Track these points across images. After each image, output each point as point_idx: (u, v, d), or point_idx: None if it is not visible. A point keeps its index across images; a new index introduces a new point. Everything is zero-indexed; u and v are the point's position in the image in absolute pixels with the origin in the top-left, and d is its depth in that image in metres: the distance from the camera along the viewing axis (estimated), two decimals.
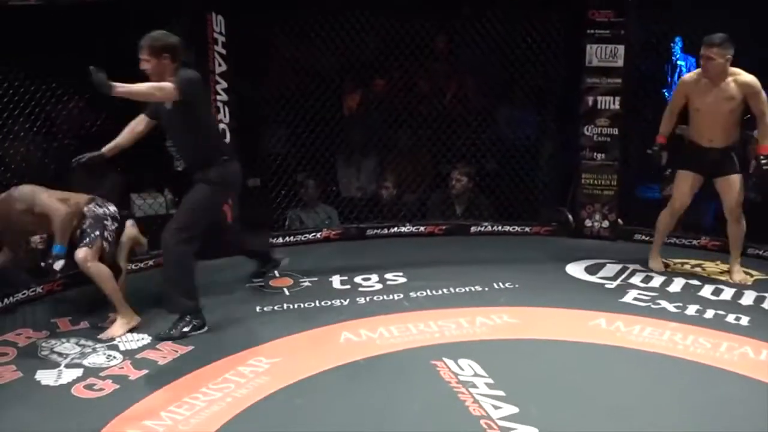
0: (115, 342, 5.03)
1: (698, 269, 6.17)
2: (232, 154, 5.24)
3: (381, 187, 6.92)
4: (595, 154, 6.65)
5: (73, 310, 5.36)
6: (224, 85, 6.10)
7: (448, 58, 6.97)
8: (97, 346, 5.00)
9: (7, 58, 5.39)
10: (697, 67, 5.68)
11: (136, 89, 4.77)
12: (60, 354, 4.89)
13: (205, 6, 5.96)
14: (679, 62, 6.91)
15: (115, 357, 4.87)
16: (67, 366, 4.76)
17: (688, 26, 6.45)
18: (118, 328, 5.14)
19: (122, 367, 4.76)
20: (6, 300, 5.41)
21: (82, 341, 5.04)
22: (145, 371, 4.72)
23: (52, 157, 5.92)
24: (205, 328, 5.08)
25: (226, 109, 6.14)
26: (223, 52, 6.04)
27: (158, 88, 4.82)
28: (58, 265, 4.98)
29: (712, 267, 6.21)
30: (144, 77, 4.89)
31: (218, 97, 6.10)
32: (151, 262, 6.09)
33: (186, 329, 5.03)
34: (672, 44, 6.85)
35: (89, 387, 4.56)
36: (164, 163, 6.27)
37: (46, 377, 4.65)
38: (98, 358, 4.86)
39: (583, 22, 6.48)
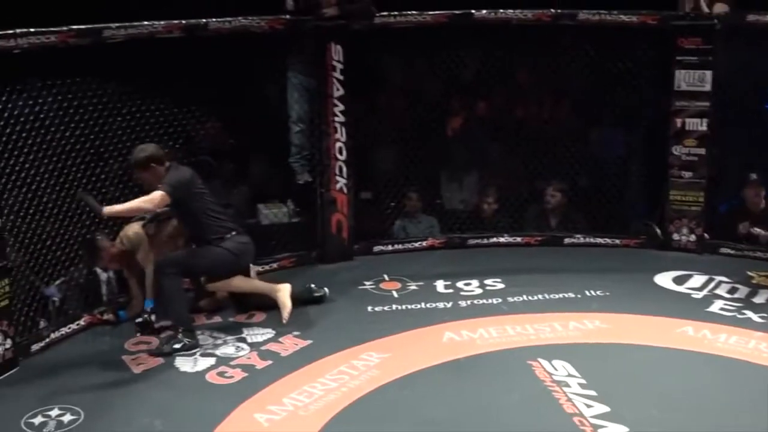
0: (243, 335, 5.17)
1: None
2: (239, 229, 5.23)
3: (483, 201, 6.90)
4: (683, 172, 6.50)
5: (206, 304, 5.50)
6: (341, 107, 6.18)
7: (543, 83, 6.91)
8: (227, 337, 5.14)
9: (156, 85, 5.58)
10: None
11: (125, 207, 4.87)
12: None
13: (326, 36, 6.06)
14: None
15: (243, 348, 5.01)
16: (202, 355, 4.92)
17: None
18: (285, 309, 5.27)
19: (249, 358, 4.89)
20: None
21: (215, 333, 5.20)
22: (269, 362, 4.84)
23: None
24: (197, 349, 4.96)
25: (343, 129, 6.23)
26: (341, 77, 6.14)
27: (148, 200, 4.85)
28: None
29: None
30: None
31: (336, 119, 6.19)
32: (275, 265, 6.22)
33: (177, 346, 4.92)
34: None
35: (221, 374, 4.71)
36: (287, 176, 6.39)
37: (183, 364, 4.82)
38: (229, 349, 5.00)
39: (672, 49, 6.35)
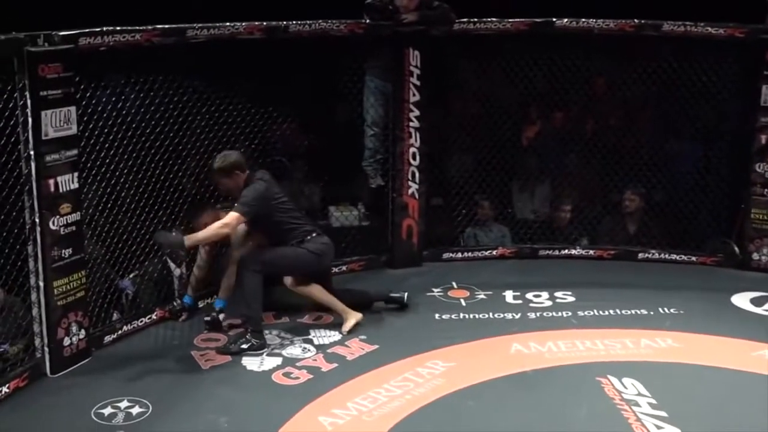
0: (310, 336, 5.17)
1: None
2: (316, 229, 5.26)
3: (559, 210, 6.77)
4: (765, 190, 6.27)
5: (277, 306, 5.50)
6: (417, 113, 6.15)
7: (619, 93, 6.76)
8: (294, 338, 5.15)
9: (234, 85, 5.64)
10: None
11: (204, 235, 4.90)
12: None
13: (404, 42, 6.03)
14: None
15: (309, 350, 5.01)
16: (269, 355, 4.94)
17: None
18: (347, 324, 5.26)
19: (315, 360, 4.89)
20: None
21: (282, 334, 5.21)
22: (335, 365, 4.83)
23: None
24: (264, 350, 4.96)
25: (417, 135, 6.19)
26: (418, 83, 6.10)
27: (225, 225, 4.86)
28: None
29: None
30: None
31: (411, 124, 6.16)
32: (344, 268, 6.21)
33: (245, 346, 4.94)
34: None
35: (287, 375, 4.72)
36: (360, 179, 6.38)
37: (250, 363, 4.85)
38: (295, 350, 5.01)
39: (759, 63, 6.14)
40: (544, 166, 6.88)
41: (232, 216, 4.87)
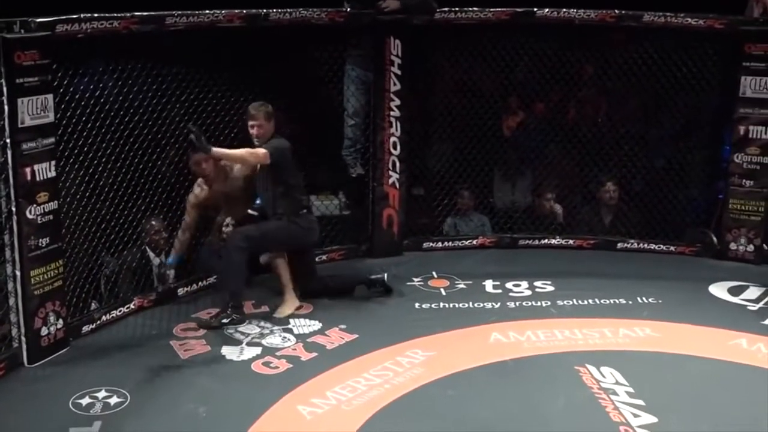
0: (289, 326, 5.16)
1: None
2: (309, 207, 5.44)
3: (542, 198, 6.78)
4: (744, 180, 6.31)
5: (256, 294, 5.50)
6: (397, 102, 6.13)
7: (599, 83, 6.77)
8: (274, 328, 5.14)
9: (215, 73, 5.60)
10: None
11: (232, 153, 5.11)
12: (243, 333, 5.06)
13: (385, 31, 6.01)
14: None
15: (289, 339, 5.00)
16: (248, 344, 4.92)
17: None
18: (285, 308, 5.33)
19: (295, 349, 4.88)
20: (201, 283, 5.63)
21: (262, 323, 5.20)
22: (314, 354, 4.83)
23: None
24: (244, 323, 5.09)
25: (398, 124, 6.18)
26: (399, 72, 6.09)
27: (253, 153, 5.12)
28: None
29: None
30: None
31: (391, 113, 6.15)
32: (324, 257, 6.20)
33: (225, 321, 5.03)
34: None
35: (266, 364, 4.71)
36: (340, 168, 6.36)
37: (230, 353, 4.83)
38: (275, 339, 5.00)
39: (739, 54, 6.17)
40: (524, 156, 6.89)
41: (261, 150, 5.08)
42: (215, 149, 4.98)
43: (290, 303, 5.37)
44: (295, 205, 5.27)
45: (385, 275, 5.64)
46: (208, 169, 5.44)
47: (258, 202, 5.39)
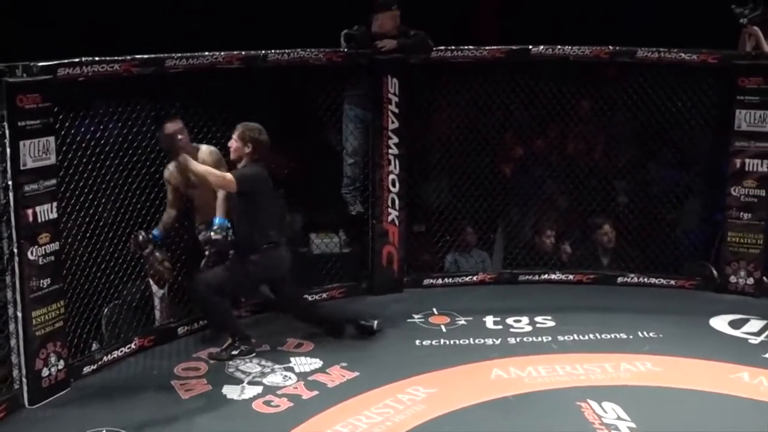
0: (291, 364, 5.17)
1: None
2: (280, 241, 5.30)
3: (542, 235, 6.81)
4: (741, 213, 6.35)
5: (257, 333, 5.50)
6: (396, 140, 6.20)
7: (595, 119, 6.84)
8: (275, 366, 5.15)
9: (214, 113, 5.67)
10: None
11: (198, 168, 5.09)
12: (244, 372, 5.07)
13: (382, 70, 6.10)
14: None
15: (290, 378, 5.01)
16: (249, 383, 4.93)
17: None
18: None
19: (296, 387, 4.89)
20: (201, 322, 5.64)
21: (263, 362, 5.20)
22: (315, 392, 4.83)
23: None
24: (253, 354, 5.20)
25: (396, 162, 6.24)
26: (396, 111, 6.16)
27: (218, 175, 5.09)
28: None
29: None
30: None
31: (389, 151, 6.21)
32: (324, 295, 6.22)
33: (234, 353, 5.17)
34: None
35: (267, 403, 4.71)
36: (340, 206, 6.41)
37: (231, 392, 4.84)
38: (276, 378, 5.01)
39: (733, 88, 6.25)
40: (525, 192, 6.93)
41: (228, 176, 5.09)
42: (183, 159, 5.04)
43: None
44: (257, 239, 5.17)
45: (376, 323, 5.60)
46: (183, 141, 5.31)
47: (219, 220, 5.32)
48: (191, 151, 5.33)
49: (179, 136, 5.31)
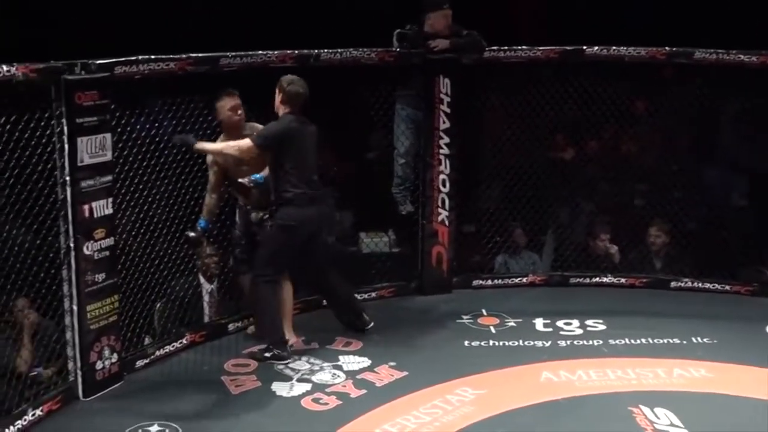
0: (339, 362, 5.18)
1: None
2: (313, 194, 5.13)
3: (596, 239, 6.73)
4: None
5: (307, 332, 5.53)
6: (447, 140, 6.18)
7: (650, 120, 6.75)
8: (324, 364, 5.16)
9: (266, 111, 5.70)
10: None
11: (215, 147, 5.10)
12: (293, 369, 5.09)
13: (434, 70, 6.08)
14: None
15: (339, 376, 5.02)
16: (299, 380, 4.96)
17: None
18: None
19: (345, 386, 4.90)
20: (251, 318, 5.64)
21: (312, 359, 5.23)
22: (364, 391, 4.84)
23: None
24: (287, 360, 5.12)
25: (447, 162, 6.22)
26: (448, 110, 6.14)
27: (235, 147, 5.03)
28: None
29: None
30: None
31: (441, 151, 6.19)
32: (374, 294, 6.23)
33: (267, 355, 5.15)
34: None
35: (316, 400, 4.73)
36: (390, 206, 6.41)
37: (280, 389, 4.87)
38: (325, 376, 5.02)
39: None
40: (579, 194, 6.87)
41: (246, 142, 5.01)
42: (198, 144, 5.05)
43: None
44: (285, 194, 5.05)
45: (371, 325, 5.57)
46: (240, 117, 5.22)
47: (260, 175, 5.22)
48: (243, 128, 5.25)
49: (238, 111, 5.23)
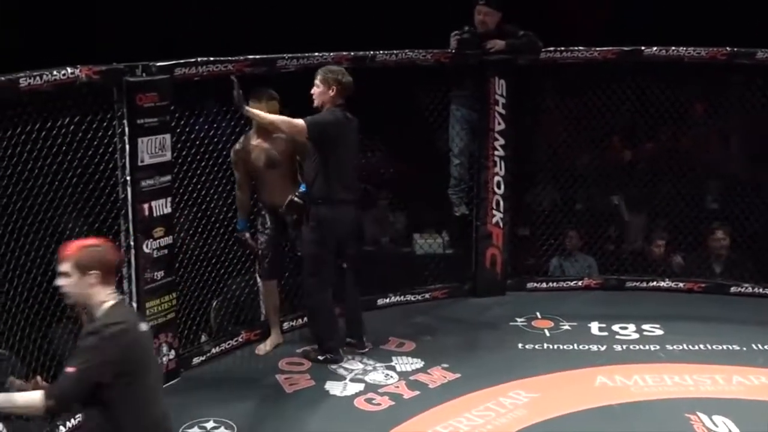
0: (392, 363, 5.19)
1: None
2: (347, 198, 5.03)
3: (653, 244, 6.63)
4: None
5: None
6: (502, 141, 6.15)
7: (710, 122, 6.62)
8: (377, 365, 5.19)
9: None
10: None
11: (266, 117, 4.90)
12: (346, 369, 5.13)
13: (490, 71, 6.06)
14: None
15: (392, 376, 5.04)
16: (352, 380, 4.99)
17: None
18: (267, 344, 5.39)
19: (398, 386, 4.91)
20: (305, 318, 5.67)
21: (365, 360, 5.25)
22: (417, 392, 4.85)
23: None
24: (338, 364, 5.13)
25: (502, 163, 6.19)
26: (503, 112, 6.11)
27: (287, 122, 4.87)
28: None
29: None
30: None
31: (496, 152, 6.16)
32: (427, 295, 6.23)
33: (320, 358, 5.17)
34: None
35: (369, 401, 4.76)
36: (444, 207, 6.41)
37: (333, 388, 4.91)
38: (378, 376, 5.04)
39: None
40: (635, 196, 6.77)
41: (298, 120, 4.86)
42: (248, 109, 4.87)
43: (272, 339, 5.39)
44: (325, 191, 4.93)
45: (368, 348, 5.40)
46: None
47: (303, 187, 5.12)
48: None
49: None
